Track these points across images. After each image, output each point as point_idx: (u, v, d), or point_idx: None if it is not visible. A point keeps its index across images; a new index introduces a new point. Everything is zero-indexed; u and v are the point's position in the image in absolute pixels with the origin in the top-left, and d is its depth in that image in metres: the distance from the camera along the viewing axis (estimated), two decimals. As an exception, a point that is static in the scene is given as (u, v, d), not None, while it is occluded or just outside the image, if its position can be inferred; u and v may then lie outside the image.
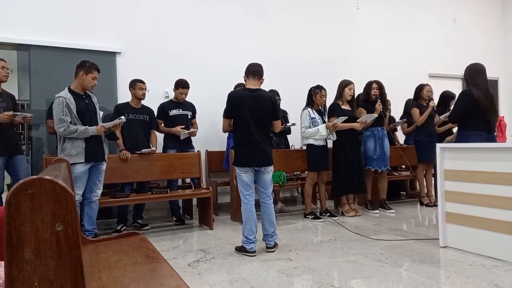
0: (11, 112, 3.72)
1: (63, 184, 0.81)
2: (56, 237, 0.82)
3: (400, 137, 6.19)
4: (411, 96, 5.60)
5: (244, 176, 3.32)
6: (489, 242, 3.02)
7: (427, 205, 5.35)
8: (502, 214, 2.92)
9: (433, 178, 5.47)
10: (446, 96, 5.58)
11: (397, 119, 5.86)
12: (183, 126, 4.66)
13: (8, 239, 0.80)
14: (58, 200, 0.81)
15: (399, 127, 6.04)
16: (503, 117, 3.48)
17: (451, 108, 5.47)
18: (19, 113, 3.83)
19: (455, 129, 5.70)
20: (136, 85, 4.39)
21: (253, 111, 3.27)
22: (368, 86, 4.99)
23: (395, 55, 7.23)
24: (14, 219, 0.80)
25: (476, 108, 3.71)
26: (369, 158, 4.95)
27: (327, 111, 4.87)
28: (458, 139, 3.87)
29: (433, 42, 7.67)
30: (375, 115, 4.73)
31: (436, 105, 5.39)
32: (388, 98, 5.18)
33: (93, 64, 3.55)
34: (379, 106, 4.82)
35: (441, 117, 5.35)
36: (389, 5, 7.30)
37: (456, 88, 7.45)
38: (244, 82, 3.51)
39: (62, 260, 0.83)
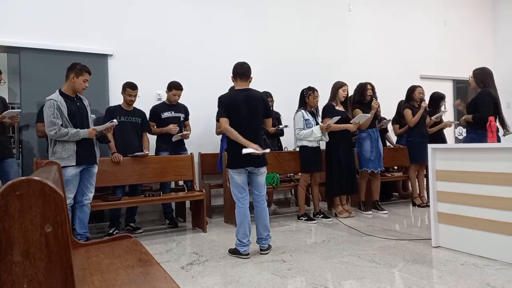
0: (0, 115, 3.68)
1: (52, 184, 0.80)
2: (45, 239, 0.81)
3: (392, 138, 6.23)
4: (403, 98, 5.65)
5: (237, 178, 3.30)
6: (481, 242, 3.04)
7: (419, 206, 5.38)
8: (494, 214, 2.94)
9: (425, 178, 5.51)
10: (436, 97, 5.63)
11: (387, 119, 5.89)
12: (176, 124, 4.64)
13: (-3, 241, 0.79)
14: (47, 201, 0.80)
15: (390, 128, 6.08)
16: (493, 117, 3.52)
17: (442, 109, 5.56)
18: (7, 111, 3.77)
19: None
20: (126, 90, 4.36)
21: (245, 111, 3.26)
22: (363, 87, 5.01)
23: (387, 57, 7.29)
24: (2, 221, 0.79)
25: (493, 107, 3.89)
26: (365, 160, 4.97)
27: (319, 112, 4.89)
28: (472, 138, 3.96)
29: (424, 44, 7.74)
30: (368, 115, 4.76)
31: (426, 106, 5.44)
32: (379, 99, 5.21)
33: (84, 66, 3.53)
34: (375, 103, 4.84)
35: (433, 117, 5.40)
36: (380, 8, 7.36)
37: (447, 89, 7.55)
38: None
39: (52, 262, 0.82)
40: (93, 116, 3.83)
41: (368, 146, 4.96)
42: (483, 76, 4.07)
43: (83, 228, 3.60)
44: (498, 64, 8.56)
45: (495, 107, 3.96)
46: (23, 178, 0.80)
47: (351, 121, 4.72)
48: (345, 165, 4.74)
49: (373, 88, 5.02)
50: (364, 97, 4.98)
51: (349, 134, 4.84)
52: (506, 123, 4.09)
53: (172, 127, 4.54)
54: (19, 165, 4.85)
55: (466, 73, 7.42)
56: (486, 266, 2.83)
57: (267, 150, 3.32)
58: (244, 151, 3.16)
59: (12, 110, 3.87)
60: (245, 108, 3.26)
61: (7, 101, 4.20)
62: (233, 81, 3.42)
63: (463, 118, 4.26)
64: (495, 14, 8.72)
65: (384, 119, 5.76)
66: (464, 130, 4.24)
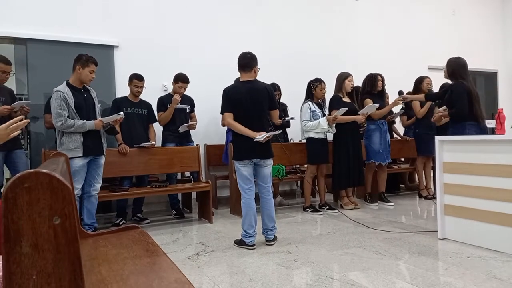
0: (9, 106, 3.70)
1: (60, 177, 0.81)
2: (53, 231, 0.82)
3: (400, 129, 6.19)
4: (411, 89, 5.59)
5: (243, 169, 3.31)
6: (487, 234, 3.03)
7: (425, 198, 5.36)
8: (501, 206, 2.92)
9: (432, 170, 5.48)
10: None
11: (395, 112, 5.85)
12: (182, 121, 4.65)
13: (6, 233, 0.80)
14: (55, 193, 0.81)
15: (398, 120, 6.03)
16: (502, 109, 3.48)
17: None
18: (16, 102, 3.80)
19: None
20: (132, 81, 4.38)
21: (250, 103, 3.25)
22: (373, 78, 4.96)
23: (395, 47, 7.20)
24: (11, 213, 0.79)
25: (469, 99, 3.81)
26: (374, 152, 4.92)
27: (326, 104, 4.86)
28: (453, 131, 3.92)
29: (432, 34, 7.63)
30: (377, 105, 4.71)
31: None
32: (387, 91, 5.17)
33: (90, 57, 3.53)
34: (399, 100, 4.71)
35: (441, 109, 5.34)
36: (388, -3, 7.26)
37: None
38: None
39: (60, 253, 0.83)
40: (100, 106, 3.85)
41: (377, 139, 4.91)
42: (455, 67, 3.96)
43: (90, 218, 3.65)
44: (508, 53, 8.43)
45: (469, 99, 3.84)
46: (32, 170, 0.81)
47: (359, 112, 4.69)
48: (353, 157, 4.72)
49: (383, 79, 4.97)
50: (374, 87, 4.94)
51: (356, 125, 4.81)
52: (480, 115, 3.90)
53: (176, 97, 4.52)
54: (27, 156, 4.89)
55: (475, 64, 7.36)
56: (492, 259, 2.82)
57: (275, 132, 3.34)
58: (256, 139, 3.16)
59: (21, 101, 3.88)
60: (249, 100, 3.25)
61: (15, 92, 4.22)
62: (240, 73, 3.41)
63: (439, 115, 4.21)
64: (504, 3, 8.55)
65: (392, 111, 5.71)
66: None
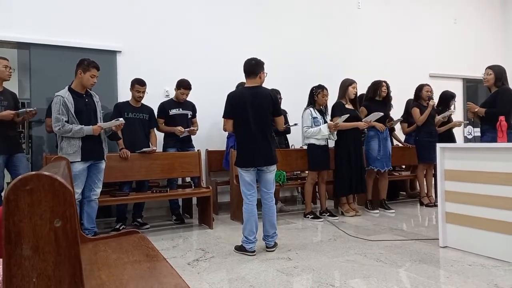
0: (14, 112, 3.72)
1: (62, 180, 0.81)
2: (54, 233, 0.82)
3: (400, 137, 6.18)
4: (412, 96, 5.60)
5: (246, 175, 3.30)
6: (489, 243, 3.01)
7: (427, 205, 5.34)
8: (502, 214, 2.91)
9: (433, 178, 5.47)
10: (447, 96, 5.57)
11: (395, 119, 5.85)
12: (184, 126, 4.66)
13: (7, 235, 0.80)
14: (56, 196, 0.81)
15: (398, 127, 6.04)
16: (503, 117, 3.47)
17: (451, 108, 5.50)
18: (23, 109, 3.81)
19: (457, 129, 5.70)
20: (134, 86, 4.38)
21: (253, 109, 3.25)
22: (377, 85, 4.99)
23: (396, 55, 7.22)
24: (12, 215, 0.79)
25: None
26: (372, 158, 4.94)
27: (328, 110, 4.86)
28: (493, 138, 3.92)
29: (433, 42, 7.66)
30: (381, 113, 4.72)
31: (436, 104, 5.40)
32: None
33: (92, 62, 3.54)
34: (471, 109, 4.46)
35: (440, 116, 5.34)
36: (389, 5, 7.29)
37: (457, 88, 7.45)
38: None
39: (61, 256, 0.82)
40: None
41: (376, 145, 4.92)
42: (503, 74, 4.07)
43: (91, 223, 3.64)
44: (509, 63, 8.44)
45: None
46: (33, 173, 0.81)
47: (363, 120, 4.69)
48: (355, 164, 4.71)
49: (387, 87, 4.99)
50: (377, 94, 4.96)
51: (358, 132, 4.81)
52: None
53: (179, 130, 4.55)
54: (29, 160, 4.90)
55: (476, 72, 7.38)
56: (494, 267, 2.80)
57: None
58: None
59: (26, 109, 3.88)
60: (251, 106, 3.25)
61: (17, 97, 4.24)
62: (245, 79, 3.42)
63: (476, 110, 4.19)
64: (505, 11, 8.59)
65: (391, 118, 5.72)
66: (474, 129, 4.19)
